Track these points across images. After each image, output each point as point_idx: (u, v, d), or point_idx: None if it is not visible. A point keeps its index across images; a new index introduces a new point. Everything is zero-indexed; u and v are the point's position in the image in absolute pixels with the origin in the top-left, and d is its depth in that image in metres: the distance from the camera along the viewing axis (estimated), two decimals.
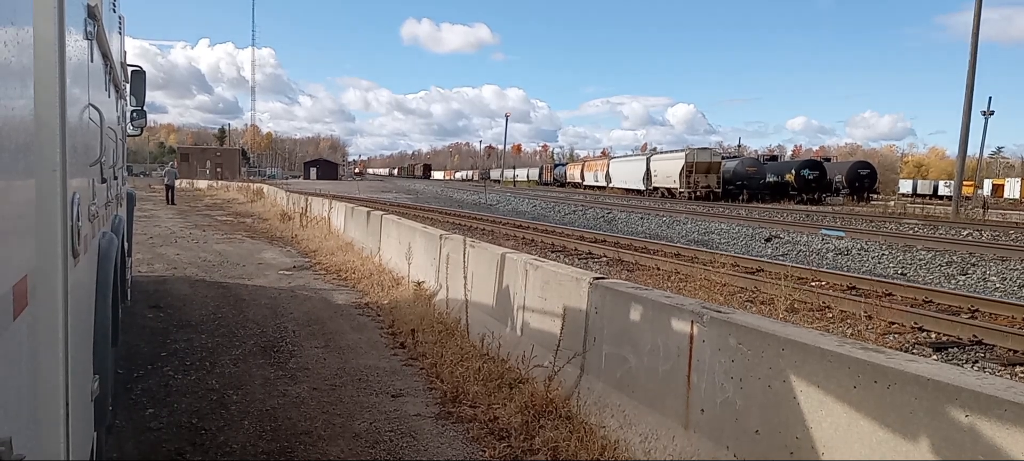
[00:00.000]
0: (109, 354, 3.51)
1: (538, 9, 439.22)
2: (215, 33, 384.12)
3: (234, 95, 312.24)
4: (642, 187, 55.20)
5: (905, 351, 6.64)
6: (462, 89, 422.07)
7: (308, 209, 19.56)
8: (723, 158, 51.93)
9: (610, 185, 63.57)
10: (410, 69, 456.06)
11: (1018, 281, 12.33)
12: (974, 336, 7.75)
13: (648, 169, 54.65)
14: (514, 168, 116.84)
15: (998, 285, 12.14)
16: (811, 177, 45.76)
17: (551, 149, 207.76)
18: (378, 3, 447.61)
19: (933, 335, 8.01)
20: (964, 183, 38.20)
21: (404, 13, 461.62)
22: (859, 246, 17.13)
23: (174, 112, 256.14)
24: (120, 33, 5.99)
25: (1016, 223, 27.94)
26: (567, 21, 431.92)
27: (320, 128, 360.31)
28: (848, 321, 8.39)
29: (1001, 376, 6.19)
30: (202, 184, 54.10)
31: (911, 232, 21.28)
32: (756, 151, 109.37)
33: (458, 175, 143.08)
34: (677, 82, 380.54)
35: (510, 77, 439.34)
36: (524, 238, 18.48)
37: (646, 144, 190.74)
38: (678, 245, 16.74)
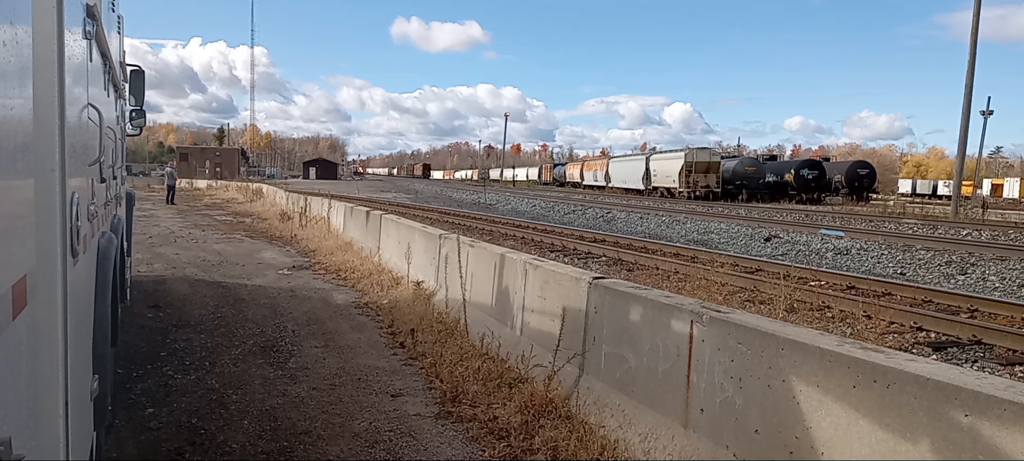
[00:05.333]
0: (108, 354, 3.51)
1: (529, 6, 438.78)
2: (206, 32, 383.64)
3: (228, 94, 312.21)
4: (641, 187, 55.19)
5: (904, 351, 6.63)
6: (457, 88, 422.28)
7: (307, 209, 19.55)
8: (722, 158, 51.95)
9: (609, 185, 63.57)
10: (403, 68, 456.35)
11: (1017, 281, 12.34)
12: (973, 336, 7.75)
13: (647, 169, 54.65)
14: (513, 168, 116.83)
15: (997, 285, 12.15)
16: (810, 177, 45.79)
17: (550, 149, 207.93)
18: (368, 2, 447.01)
19: (932, 335, 8.01)
20: (963, 183, 38.22)
21: (393, 12, 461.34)
22: (858, 246, 17.14)
23: (169, 111, 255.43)
24: (119, 32, 5.98)
25: (1015, 223, 27.95)
26: (559, 19, 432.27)
27: (317, 127, 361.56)
28: (847, 321, 8.39)
29: (1001, 376, 6.18)
30: (202, 184, 54.07)
31: (910, 232, 21.29)
32: (755, 151, 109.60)
33: (458, 175, 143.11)
34: (673, 81, 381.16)
35: (504, 76, 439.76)
36: (523, 238, 18.48)
37: (645, 144, 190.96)
38: (677, 245, 16.74)
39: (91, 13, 2.88)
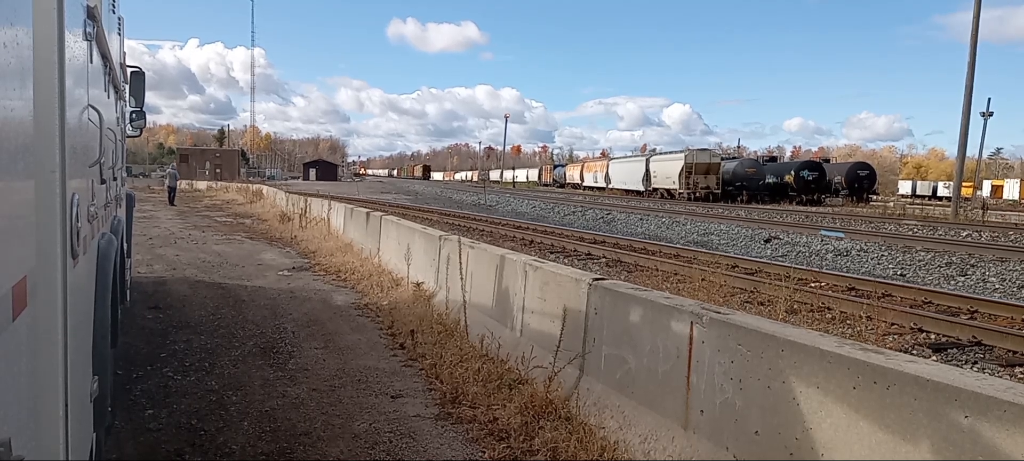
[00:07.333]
0: (108, 355, 3.51)
1: (526, 7, 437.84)
2: (204, 33, 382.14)
3: (226, 95, 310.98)
4: (641, 188, 55.22)
5: (905, 352, 6.63)
6: (455, 89, 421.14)
7: (307, 210, 19.55)
8: (722, 159, 51.97)
9: (609, 186, 63.60)
10: (401, 69, 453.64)
11: (1017, 282, 12.34)
12: (973, 337, 7.75)
13: (647, 170, 54.68)
14: (513, 169, 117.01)
15: (997, 286, 12.15)
16: (810, 178, 45.81)
17: (550, 150, 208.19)
18: (364, 2, 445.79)
19: (932, 336, 8.01)
20: (963, 184, 38.23)
21: (389, 12, 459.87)
22: (858, 247, 17.14)
23: (168, 112, 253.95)
24: (119, 34, 5.99)
25: (1015, 224, 27.96)
26: (557, 19, 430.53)
27: (316, 129, 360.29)
28: (848, 322, 8.39)
29: (1001, 377, 6.19)
30: (202, 185, 54.09)
31: (910, 233, 21.29)
32: (755, 152, 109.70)
33: (457, 176, 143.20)
34: (672, 82, 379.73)
35: (502, 77, 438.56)
36: (523, 239, 18.48)
37: (645, 145, 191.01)
38: (677, 246, 16.74)
39: (91, 14, 2.88)
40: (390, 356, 6.36)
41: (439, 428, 4.62)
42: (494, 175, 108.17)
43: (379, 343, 6.82)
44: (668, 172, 51.03)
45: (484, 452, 4.24)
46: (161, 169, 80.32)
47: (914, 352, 7.28)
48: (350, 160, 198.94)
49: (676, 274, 12.06)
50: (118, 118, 5.87)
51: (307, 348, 6.58)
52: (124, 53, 7.13)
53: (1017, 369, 6.86)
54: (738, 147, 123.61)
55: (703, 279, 10.02)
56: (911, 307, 9.34)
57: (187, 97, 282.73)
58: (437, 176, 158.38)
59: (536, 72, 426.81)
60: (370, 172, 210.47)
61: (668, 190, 51.09)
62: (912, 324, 8.34)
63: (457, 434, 4.52)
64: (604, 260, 14.62)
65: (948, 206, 38.65)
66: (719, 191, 47.63)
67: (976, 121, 39.58)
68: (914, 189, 78.72)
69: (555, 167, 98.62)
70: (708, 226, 23.35)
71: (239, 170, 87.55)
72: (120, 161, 6.41)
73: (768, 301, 9.30)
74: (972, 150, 43.39)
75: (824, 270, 13.00)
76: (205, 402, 5.01)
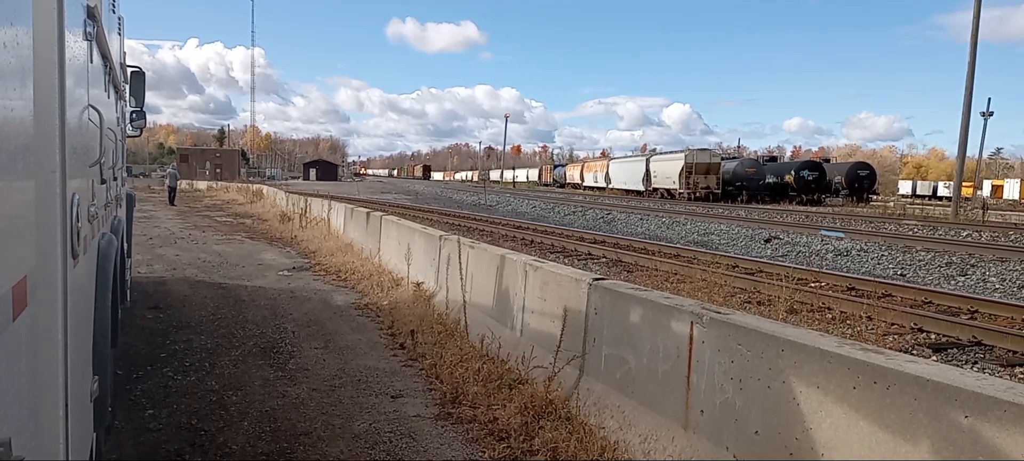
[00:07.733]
0: (108, 355, 3.51)
1: (525, 7, 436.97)
2: (203, 32, 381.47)
3: (226, 95, 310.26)
4: (641, 188, 55.23)
5: (905, 352, 6.63)
6: (455, 89, 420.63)
7: (308, 210, 19.54)
8: (722, 159, 51.97)
9: (610, 186, 63.61)
10: (400, 69, 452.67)
11: (1017, 282, 12.34)
12: (973, 337, 7.75)
13: (647, 170, 54.69)
14: (513, 169, 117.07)
15: (998, 286, 12.15)
16: (810, 178, 45.80)
17: (550, 150, 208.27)
18: (363, 2, 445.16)
19: (933, 336, 8.01)
20: (963, 184, 38.23)
21: (388, 12, 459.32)
22: (859, 247, 17.14)
23: (168, 112, 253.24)
24: (120, 34, 5.99)
25: (1015, 224, 27.95)
26: (556, 19, 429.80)
27: (316, 129, 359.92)
28: (848, 322, 8.39)
29: (1001, 377, 6.18)
30: (202, 185, 54.10)
31: (911, 233, 21.29)
32: (755, 152, 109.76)
33: (458, 176, 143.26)
34: (672, 82, 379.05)
35: (502, 77, 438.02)
36: (523, 239, 18.48)
37: (645, 145, 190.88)
38: (677, 246, 16.74)
39: (91, 14, 2.88)
40: (390, 356, 6.36)
41: (439, 428, 4.62)
42: (494, 175, 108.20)
43: (379, 343, 6.82)
44: (668, 172, 51.04)
45: (484, 452, 4.24)
46: (161, 169, 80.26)
47: (914, 352, 7.28)
48: (350, 160, 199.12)
49: (676, 274, 12.05)
50: (118, 118, 5.87)
51: (307, 348, 6.58)
52: (124, 53, 7.13)
53: (1017, 369, 6.86)
54: (738, 147, 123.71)
55: (703, 279, 10.02)
56: (911, 307, 9.34)
57: (187, 97, 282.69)
58: (437, 176, 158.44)
59: (536, 72, 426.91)
60: (370, 172, 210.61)
61: (668, 190, 51.10)
62: (912, 324, 8.34)
63: (457, 434, 4.52)
64: (604, 260, 14.62)
65: (948, 206, 38.65)
66: (719, 191, 47.63)
67: (976, 121, 39.60)
68: (914, 189, 78.78)
69: (555, 167, 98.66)
70: (708, 226, 23.36)
71: (239, 170, 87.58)
72: (120, 161, 6.42)
73: (768, 301, 9.30)
74: (972, 150, 43.43)
75: (824, 270, 13.00)
76: (205, 402, 5.02)
